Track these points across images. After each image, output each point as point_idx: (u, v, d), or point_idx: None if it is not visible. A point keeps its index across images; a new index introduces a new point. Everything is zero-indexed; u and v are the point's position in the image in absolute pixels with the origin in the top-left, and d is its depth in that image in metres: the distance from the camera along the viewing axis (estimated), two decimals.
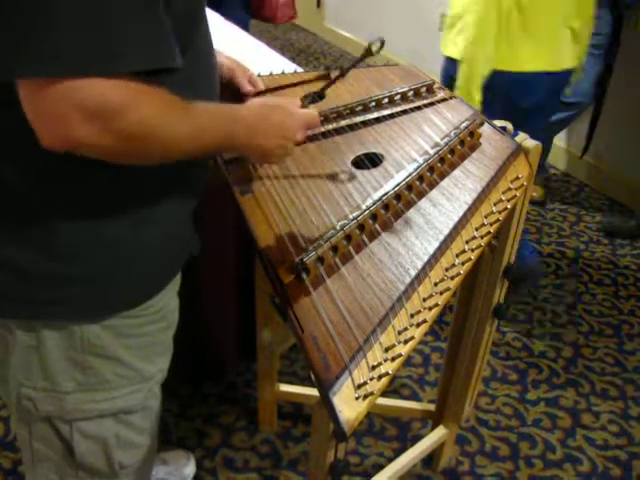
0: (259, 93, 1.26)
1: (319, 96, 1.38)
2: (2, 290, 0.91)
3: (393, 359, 0.87)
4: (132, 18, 0.71)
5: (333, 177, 1.16)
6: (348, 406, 0.82)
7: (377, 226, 1.05)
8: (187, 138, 0.83)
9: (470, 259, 1.01)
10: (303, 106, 1.08)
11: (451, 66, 1.91)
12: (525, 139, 1.25)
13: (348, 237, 1.01)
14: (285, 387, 1.87)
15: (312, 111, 1.06)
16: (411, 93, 1.39)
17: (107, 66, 0.70)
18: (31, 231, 0.87)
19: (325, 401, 0.83)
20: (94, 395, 1.00)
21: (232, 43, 2.15)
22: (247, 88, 1.20)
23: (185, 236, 1.04)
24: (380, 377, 0.85)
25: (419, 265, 0.99)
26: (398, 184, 1.09)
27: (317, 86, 1.33)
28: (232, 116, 0.92)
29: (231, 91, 1.21)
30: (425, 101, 1.38)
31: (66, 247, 0.89)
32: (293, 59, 2.82)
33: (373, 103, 1.35)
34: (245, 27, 2.46)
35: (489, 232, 1.06)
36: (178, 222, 1.01)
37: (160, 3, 0.74)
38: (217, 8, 2.18)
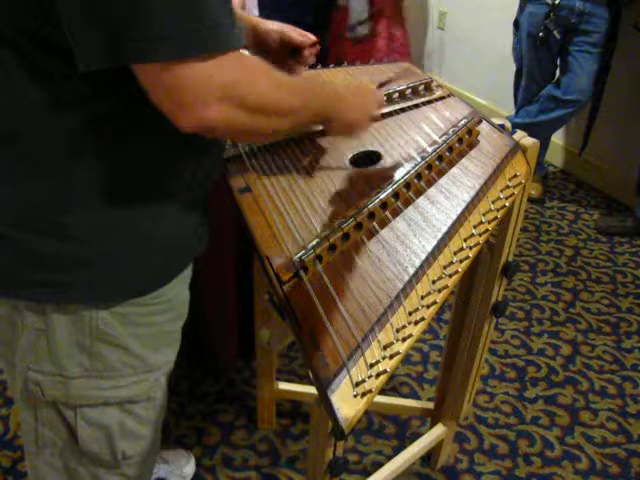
0: (313, 45, 1.29)
1: None
2: (13, 271, 0.92)
3: (391, 357, 0.87)
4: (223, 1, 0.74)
5: (332, 173, 1.16)
6: (346, 404, 0.82)
7: (375, 224, 1.05)
8: (298, 108, 0.88)
9: (468, 257, 1.01)
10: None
11: None
12: (523, 137, 1.25)
13: (346, 235, 1.01)
14: (284, 385, 1.87)
15: (381, 92, 1.18)
16: (409, 91, 1.39)
17: (227, 44, 0.74)
18: (45, 213, 0.88)
19: (323, 399, 0.83)
20: (99, 382, 1.00)
21: None
22: (300, 39, 1.25)
23: (197, 230, 1.05)
24: (378, 375, 0.85)
25: (417, 263, 0.99)
26: (396, 182, 1.09)
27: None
28: (323, 86, 1.01)
29: (282, 51, 1.25)
30: (423, 99, 1.38)
31: (80, 230, 0.89)
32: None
33: None
34: None
35: (487, 230, 1.06)
36: (192, 215, 1.02)
37: None
38: None
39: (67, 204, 0.88)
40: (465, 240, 1.04)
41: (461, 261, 1.00)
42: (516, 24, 2.88)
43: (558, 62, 2.85)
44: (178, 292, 1.05)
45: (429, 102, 1.38)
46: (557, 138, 3.32)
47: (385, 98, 1.28)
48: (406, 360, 2.18)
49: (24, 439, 1.11)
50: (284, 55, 1.26)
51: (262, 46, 1.24)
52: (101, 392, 1.01)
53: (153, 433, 1.14)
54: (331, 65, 1.51)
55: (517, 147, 1.22)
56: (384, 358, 0.86)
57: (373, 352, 0.87)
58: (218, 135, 0.81)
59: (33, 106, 0.83)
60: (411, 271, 0.97)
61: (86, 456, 1.07)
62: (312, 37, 1.26)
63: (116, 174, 0.89)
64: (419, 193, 1.12)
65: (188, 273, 1.08)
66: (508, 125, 1.30)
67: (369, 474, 1.59)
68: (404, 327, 0.90)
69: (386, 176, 1.13)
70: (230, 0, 0.76)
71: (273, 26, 1.24)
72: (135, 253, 0.94)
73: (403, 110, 1.35)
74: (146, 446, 1.14)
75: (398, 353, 0.87)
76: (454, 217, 1.07)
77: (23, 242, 0.89)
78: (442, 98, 1.39)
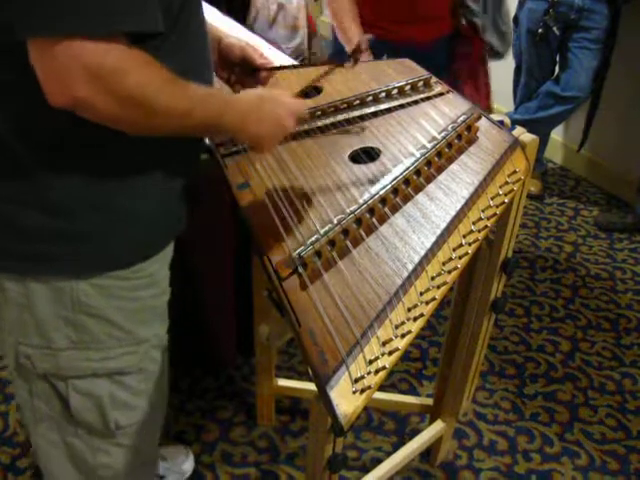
0: (272, 69, 1.27)
1: (316, 90, 1.38)
2: None
3: (390, 353, 0.87)
4: None
5: (331, 169, 1.16)
6: (345, 400, 0.82)
7: (374, 220, 1.05)
8: (179, 111, 0.86)
9: (467, 253, 1.01)
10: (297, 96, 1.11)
11: None
12: (522, 133, 1.24)
13: (345, 231, 1.01)
14: (283, 382, 1.87)
15: (300, 100, 1.11)
16: (408, 87, 1.39)
17: (109, 27, 0.75)
18: (25, 186, 0.90)
19: (322, 395, 0.83)
20: (88, 354, 1.02)
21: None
22: (260, 61, 1.23)
23: (176, 210, 1.07)
24: (377, 371, 0.85)
25: (416, 259, 0.99)
26: (395, 178, 1.09)
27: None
28: (224, 99, 0.97)
29: (244, 69, 1.23)
30: (422, 95, 1.38)
31: (58, 203, 0.92)
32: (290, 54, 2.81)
33: (370, 97, 1.35)
34: None
35: (486, 226, 1.06)
36: (171, 194, 1.04)
37: None
38: None
39: (50, 179, 0.90)
40: (464, 236, 1.04)
41: (460, 257, 1.00)
42: (515, 20, 2.87)
43: (557, 58, 2.84)
44: (158, 268, 1.07)
45: (428, 98, 1.37)
46: (556, 135, 3.32)
47: (318, 110, 1.21)
48: (405, 356, 2.18)
49: (23, 417, 1.14)
50: (245, 72, 1.25)
51: (225, 59, 1.23)
52: (90, 363, 1.03)
53: (148, 404, 1.16)
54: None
55: (516, 143, 1.22)
56: (383, 354, 0.86)
57: (372, 348, 0.87)
58: (91, 119, 0.81)
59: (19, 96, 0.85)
60: (410, 267, 0.97)
61: (81, 426, 1.10)
62: (271, 61, 1.25)
63: (98, 152, 0.91)
64: (418, 189, 1.12)
65: (169, 251, 1.10)
66: (507, 121, 1.30)
67: (368, 470, 1.59)
68: (403, 323, 0.90)
69: (385, 172, 1.13)
70: None
71: (236, 41, 1.23)
72: (115, 228, 0.97)
73: (402, 106, 1.35)
74: (141, 417, 1.16)
75: (397, 349, 0.87)
76: (453, 213, 1.07)
77: (6, 214, 0.92)
78: (441, 94, 1.39)
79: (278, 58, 1.87)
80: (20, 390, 1.08)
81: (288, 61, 1.76)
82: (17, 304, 0.98)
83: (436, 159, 1.16)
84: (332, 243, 0.99)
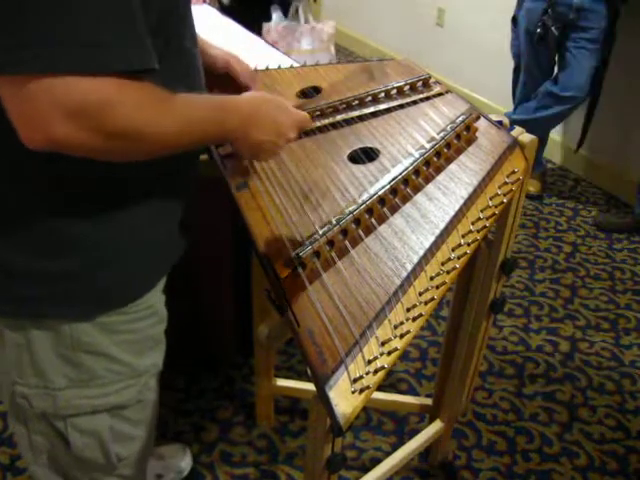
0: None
1: (315, 90, 1.38)
2: None
3: (389, 353, 0.87)
4: (110, 17, 0.69)
5: (330, 170, 1.16)
6: (344, 400, 0.82)
7: (373, 220, 1.05)
8: (174, 132, 0.81)
9: (466, 253, 1.01)
10: (298, 106, 1.07)
11: None
12: (521, 133, 1.24)
13: (344, 231, 1.01)
14: (282, 382, 1.87)
15: (305, 113, 1.06)
16: (407, 87, 1.39)
17: (89, 64, 0.68)
18: (16, 229, 0.86)
19: (321, 395, 0.83)
20: (86, 391, 0.99)
21: (228, 36, 2.15)
22: (243, 79, 1.20)
23: (177, 238, 1.04)
24: (376, 371, 0.85)
25: (415, 259, 0.99)
26: (394, 178, 1.09)
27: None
28: (223, 105, 0.91)
29: (226, 83, 1.22)
30: (421, 95, 1.38)
31: (53, 245, 0.88)
32: (289, 54, 2.81)
33: (369, 97, 1.35)
34: None
35: (485, 226, 1.06)
36: (172, 225, 1.01)
37: (135, 4, 0.72)
38: None
39: (49, 222, 0.86)
40: (463, 236, 1.04)
41: (459, 257, 1.00)
42: (514, 20, 2.88)
43: (556, 58, 2.85)
44: (158, 297, 1.05)
45: (427, 99, 1.37)
46: (556, 134, 3.32)
47: (316, 110, 1.18)
48: (404, 356, 2.18)
49: (20, 448, 1.11)
50: (228, 84, 1.21)
51: (208, 70, 1.15)
52: (89, 401, 1.00)
53: (146, 433, 1.15)
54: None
55: (515, 143, 1.22)
56: (382, 354, 0.86)
57: (371, 348, 0.87)
58: (76, 155, 0.74)
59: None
60: (409, 267, 0.97)
61: (81, 461, 1.07)
62: (254, 80, 1.22)
63: (96, 192, 0.88)
64: (417, 189, 1.12)
65: (164, 280, 1.08)
66: (506, 121, 1.30)
67: (367, 470, 1.59)
68: (402, 323, 0.90)
69: (384, 173, 1.13)
70: (129, 13, 0.71)
71: (220, 53, 1.19)
72: (116, 267, 0.93)
73: (401, 107, 1.35)
74: (140, 446, 1.14)
75: (396, 349, 0.87)
76: (452, 213, 1.07)
77: (3, 259, 0.88)
78: (440, 95, 1.39)
79: (276, 58, 1.87)
80: (17, 426, 1.05)
81: (287, 62, 1.76)
82: (15, 345, 0.95)
83: (435, 159, 1.16)
84: (331, 243, 0.99)
